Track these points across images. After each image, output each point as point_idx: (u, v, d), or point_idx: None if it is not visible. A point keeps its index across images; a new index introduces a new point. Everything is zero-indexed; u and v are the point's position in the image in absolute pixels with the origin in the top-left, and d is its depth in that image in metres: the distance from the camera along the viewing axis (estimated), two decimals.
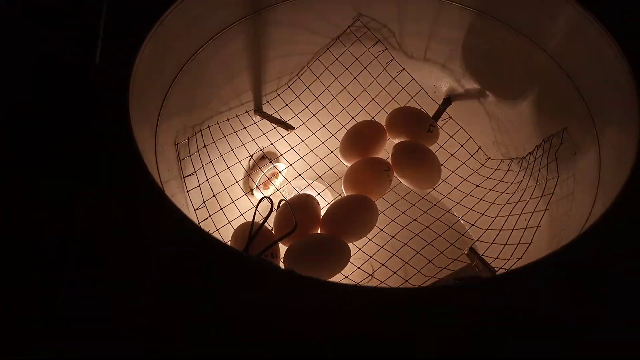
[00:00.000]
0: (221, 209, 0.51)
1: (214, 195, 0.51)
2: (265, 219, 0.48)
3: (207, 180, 0.50)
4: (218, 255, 0.30)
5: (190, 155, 0.49)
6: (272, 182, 0.64)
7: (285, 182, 0.61)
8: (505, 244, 0.46)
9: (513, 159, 0.56)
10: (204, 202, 0.49)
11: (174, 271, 0.29)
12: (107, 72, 0.37)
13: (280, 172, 0.62)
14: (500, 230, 0.48)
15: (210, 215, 0.49)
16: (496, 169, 0.57)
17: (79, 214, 0.31)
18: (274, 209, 0.51)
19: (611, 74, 0.41)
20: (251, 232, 0.47)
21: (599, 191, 0.39)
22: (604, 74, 0.42)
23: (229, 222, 0.51)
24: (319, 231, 0.52)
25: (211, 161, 0.52)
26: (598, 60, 0.42)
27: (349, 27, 0.58)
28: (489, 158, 0.59)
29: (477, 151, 0.59)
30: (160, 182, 0.39)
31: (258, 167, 0.62)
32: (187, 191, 0.48)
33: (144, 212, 0.32)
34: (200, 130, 0.52)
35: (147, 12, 0.42)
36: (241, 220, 0.53)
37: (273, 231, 0.52)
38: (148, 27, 0.40)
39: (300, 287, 0.29)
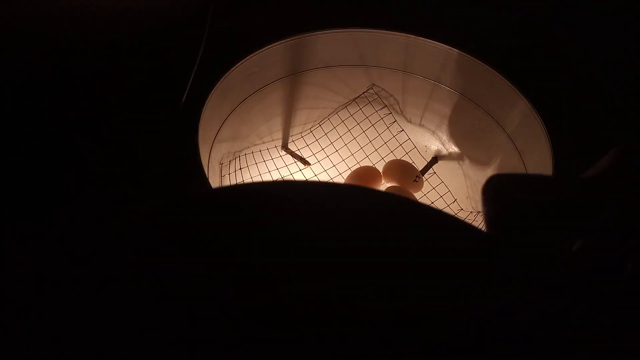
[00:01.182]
0: None
1: None
2: None
3: None
4: None
5: (229, 174, 0.65)
6: None
7: None
8: None
9: (479, 212, 0.70)
10: None
11: None
12: (187, 107, 0.54)
13: None
14: None
15: None
16: (465, 219, 0.71)
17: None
18: None
19: (544, 154, 0.55)
20: None
21: None
22: (539, 153, 0.57)
23: None
24: None
25: (243, 180, 0.68)
26: (537, 143, 0.57)
27: (363, 92, 0.74)
28: (462, 209, 0.73)
29: (453, 202, 0.74)
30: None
31: None
32: None
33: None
34: (239, 156, 0.68)
35: (216, 69, 0.59)
36: None
37: None
38: (216, 80, 0.57)
39: None
